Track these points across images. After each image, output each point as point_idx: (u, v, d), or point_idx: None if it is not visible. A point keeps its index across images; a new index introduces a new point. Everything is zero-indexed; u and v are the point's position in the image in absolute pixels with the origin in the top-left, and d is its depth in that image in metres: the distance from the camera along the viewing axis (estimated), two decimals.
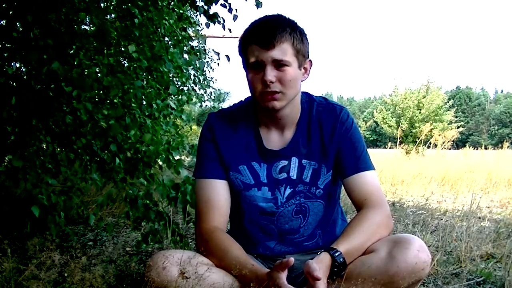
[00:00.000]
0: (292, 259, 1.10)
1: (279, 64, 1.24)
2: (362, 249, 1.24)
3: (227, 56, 2.79)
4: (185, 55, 3.22)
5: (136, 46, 2.16)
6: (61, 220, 2.15)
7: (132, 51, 2.11)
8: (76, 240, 2.43)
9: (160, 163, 2.49)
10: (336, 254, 1.17)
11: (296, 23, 1.30)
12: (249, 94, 1.37)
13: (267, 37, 1.23)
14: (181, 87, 3.76)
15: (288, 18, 1.30)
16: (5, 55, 2.21)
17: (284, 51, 1.24)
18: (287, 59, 1.25)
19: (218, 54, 3.07)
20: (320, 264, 1.13)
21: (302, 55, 1.29)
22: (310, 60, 1.34)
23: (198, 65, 3.45)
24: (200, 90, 5.82)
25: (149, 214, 2.12)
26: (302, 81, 1.34)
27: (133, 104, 2.47)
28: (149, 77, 2.69)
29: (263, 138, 1.38)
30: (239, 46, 1.32)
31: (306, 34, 1.31)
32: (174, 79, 3.36)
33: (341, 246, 1.20)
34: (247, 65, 1.29)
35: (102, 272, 1.57)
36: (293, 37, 1.25)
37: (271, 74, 1.24)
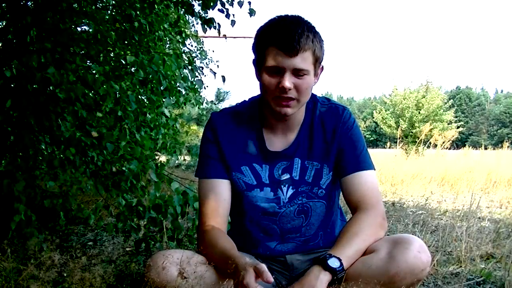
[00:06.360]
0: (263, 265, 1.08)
1: (298, 72, 1.22)
2: (359, 254, 1.23)
3: (223, 76, 2.87)
4: (183, 56, 3.20)
5: (134, 56, 2.14)
6: (62, 221, 2.15)
7: (130, 61, 2.09)
8: (76, 240, 2.43)
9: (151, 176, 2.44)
10: (338, 270, 1.15)
11: (314, 27, 1.26)
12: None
13: (290, 44, 1.19)
14: (178, 88, 3.75)
15: (307, 21, 1.26)
16: (3, 57, 2.20)
17: (305, 59, 1.21)
18: (307, 68, 1.22)
19: (214, 73, 3.10)
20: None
21: (319, 63, 1.28)
22: (323, 66, 1.32)
23: (195, 84, 3.39)
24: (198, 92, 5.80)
25: (135, 226, 2.14)
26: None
27: (124, 116, 2.42)
28: (144, 87, 2.65)
29: (266, 139, 1.38)
30: (254, 43, 1.29)
31: (323, 40, 1.28)
32: (172, 81, 3.34)
33: (340, 254, 1.18)
34: (262, 66, 1.25)
35: (102, 272, 1.57)
36: (314, 45, 1.23)
37: (289, 81, 1.22)
